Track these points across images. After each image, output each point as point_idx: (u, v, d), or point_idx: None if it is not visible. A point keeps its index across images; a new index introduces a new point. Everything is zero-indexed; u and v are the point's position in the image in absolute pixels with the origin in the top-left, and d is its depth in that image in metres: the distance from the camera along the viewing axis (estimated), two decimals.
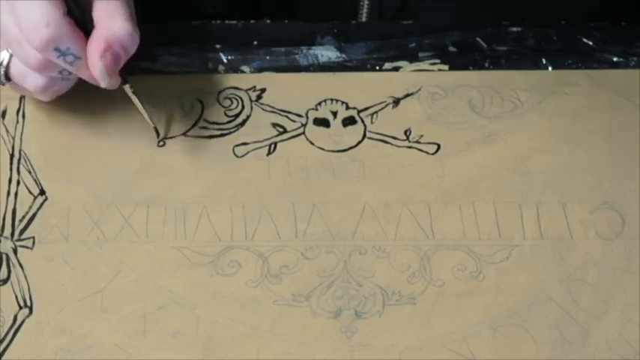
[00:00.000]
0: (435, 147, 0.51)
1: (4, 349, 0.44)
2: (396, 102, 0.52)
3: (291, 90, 0.52)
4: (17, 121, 0.51)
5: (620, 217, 0.49)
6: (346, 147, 0.51)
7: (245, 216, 0.48)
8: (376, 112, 0.52)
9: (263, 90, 0.52)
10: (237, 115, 0.51)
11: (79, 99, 0.49)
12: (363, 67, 0.54)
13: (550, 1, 0.58)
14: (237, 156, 0.50)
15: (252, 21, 0.55)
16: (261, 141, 0.51)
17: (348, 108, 0.52)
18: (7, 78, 0.46)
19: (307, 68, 0.54)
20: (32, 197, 0.48)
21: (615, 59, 0.54)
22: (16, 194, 0.48)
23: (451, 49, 0.55)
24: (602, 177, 0.50)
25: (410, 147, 0.51)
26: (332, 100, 0.52)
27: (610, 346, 0.45)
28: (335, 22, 0.55)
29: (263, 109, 0.52)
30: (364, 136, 0.51)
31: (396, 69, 0.54)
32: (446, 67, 0.54)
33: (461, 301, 0.46)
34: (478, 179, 0.50)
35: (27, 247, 0.47)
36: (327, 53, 0.54)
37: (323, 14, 0.56)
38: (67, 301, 0.45)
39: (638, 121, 0.52)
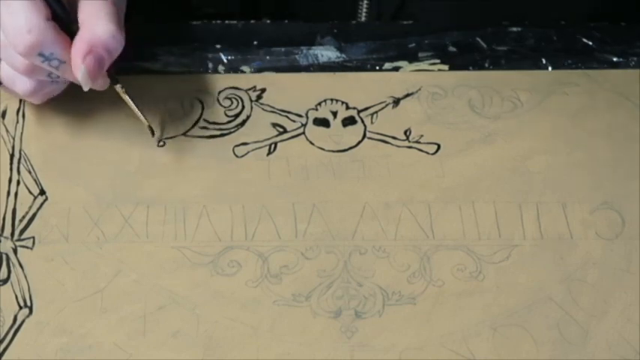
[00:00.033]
0: (435, 147, 0.51)
1: (4, 349, 0.44)
2: (396, 102, 0.52)
3: (291, 90, 0.52)
4: (17, 121, 0.51)
5: (620, 217, 0.49)
6: (346, 147, 0.51)
7: (245, 216, 0.48)
8: (376, 112, 0.52)
9: (263, 90, 0.52)
10: (237, 115, 0.51)
11: (78, 99, 0.49)
12: (363, 67, 0.54)
13: (550, 1, 0.58)
14: (237, 156, 0.50)
15: (252, 21, 0.55)
16: (261, 141, 0.51)
17: (348, 108, 0.52)
18: None
19: (307, 68, 0.54)
20: (32, 197, 0.48)
21: (615, 59, 0.54)
22: (16, 194, 0.48)
23: (451, 49, 0.55)
24: (602, 177, 0.50)
25: (410, 147, 0.51)
26: (332, 100, 0.52)
27: (610, 346, 0.45)
28: (335, 22, 0.55)
29: (263, 109, 0.52)
30: (364, 136, 0.51)
31: (396, 69, 0.54)
32: (446, 67, 0.54)
33: (461, 301, 0.46)
34: (478, 179, 0.50)
35: (27, 247, 0.47)
36: (327, 53, 0.54)
37: (322, 14, 0.56)
38: (67, 301, 0.45)
39: (638, 121, 0.52)
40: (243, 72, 0.53)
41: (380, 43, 0.54)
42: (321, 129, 0.51)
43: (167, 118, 0.51)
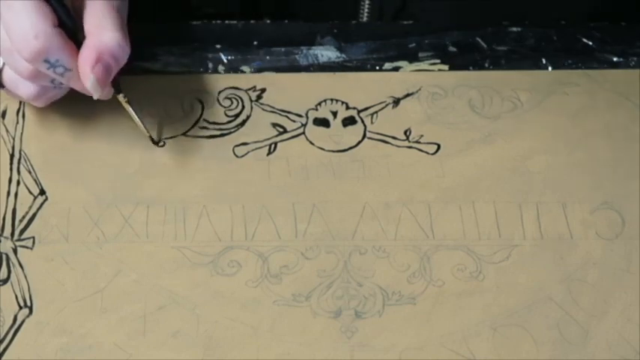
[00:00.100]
0: (435, 147, 0.51)
1: (4, 349, 0.44)
2: (396, 102, 0.52)
3: (291, 90, 0.52)
4: (17, 121, 0.51)
5: (620, 217, 0.49)
6: (346, 147, 0.51)
7: (245, 216, 0.48)
8: (376, 112, 0.52)
9: (263, 90, 0.52)
10: (237, 115, 0.51)
11: (79, 99, 0.49)
12: (363, 67, 0.54)
13: (550, 1, 0.58)
14: (237, 156, 0.50)
15: (252, 21, 0.55)
16: (261, 141, 0.51)
17: (348, 108, 0.52)
18: (0, 85, 0.46)
19: (307, 68, 0.54)
20: (32, 197, 0.48)
21: (615, 59, 0.54)
22: (16, 194, 0.48)
23: (451, 49, 0.55)
24: (602, 177, 0.50)
25: (410, 147, 0.51)
26: (332, 100, 0.52)
27: (610, 346, 0.45)
28: (335, 22, 0.55)
29: (263, 109, 0.52)
30: (364, 136, 0.51)
31: (396, 69, 0.54)
32: (446, 67, 0.54)
33: (461, 301, 0.46)
34: (478, 179, 0.50)
35: (27, 247, 0.47)
36: (327, 53, 0.54)
37: (323, 14, 0.56)
38: (67, 301, 0.45)
39: (638, 121, 0.52)
40: (243, 72, 0.53)
41: (380, 43, 0.54)
42: (321, 129, 0.51)
43: (167, 118, 0.51)
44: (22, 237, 0.47)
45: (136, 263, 0.46)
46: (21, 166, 0.49)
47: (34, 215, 0.48)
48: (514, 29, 0.55)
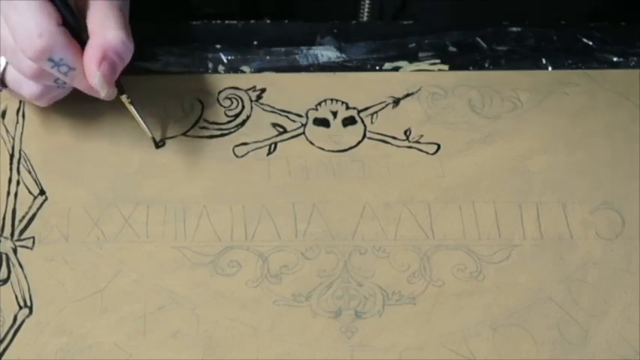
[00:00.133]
0: (435, 147, 0.51)
1: (4, 349, 0.44)
2: (396, 102, 0.52)
3: (291, 90, 0.52)
4: (17, 121, 0.51)
5: (620, 217, 0.49)
6: (346, 147, 0.51)
7: (245, 216, 0.48)
8: (376, 112, 0.52)
9: (263, 90, 0.52)
10: (237, 115, 0.51)
11: (79, 99, 0.49)
12: (363, 67, 0.54)
13: (550, 1, 0.58)
14: (237, 156, 0.50)
15: (252, 21, 0.55)
16: (261, 141, 0.51)
17: (348, 108, 0.52)
18: (4, 84, 0.46)
19: (307, 68, 0.54)
20: (32, 197, 0.48)
21: (615, 59, 0.54)
22: (16, 194, 0.48)
23: (451, 49, 0.55)
24: (602, 177, 0.50)
25: (410, 147, 0.51)
26: (332, 100, 0.52)
27: (610, 346, 0.45)
28: (335, 22, 0.55)
29: (263, 109, 0.52)
30: (364, 136, 0.51)
31: (396, 69, 0.54)
32: (446, 67, 0.54)
33: (461, 301, 0.46)
34: (478, 179, 0.50)
35: (27, 247, 0.47)
36: (327, 53, 0.54)
37: (323, 14, 0.56)
38: (67, 301, 0.45)
39: (638, 121, 0.52)
40: (243, 72, 0.53)
41: (380, 43, 0.54)
42: (321, 129, 0.51)
43: (167, 118, 0.51)
44: (22, 237, 0.47)
45: (136, 263, 0.46)
46: (21, 166, 0.49)
47: (34, 215, 0.48)
48: (514, 29, 0.55)
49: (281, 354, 0.44)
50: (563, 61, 0.54)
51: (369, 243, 0.48)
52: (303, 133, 0.51)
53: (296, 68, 0.53)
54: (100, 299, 0.45)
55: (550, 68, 0.54)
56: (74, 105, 0.50)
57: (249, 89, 0.52)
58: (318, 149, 0.50)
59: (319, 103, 0.52)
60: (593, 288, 0.46)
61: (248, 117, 0.51)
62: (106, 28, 0.44)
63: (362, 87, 0.52)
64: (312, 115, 0.52)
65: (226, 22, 0.55)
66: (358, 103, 0.52)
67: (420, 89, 0.53)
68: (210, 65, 0.53)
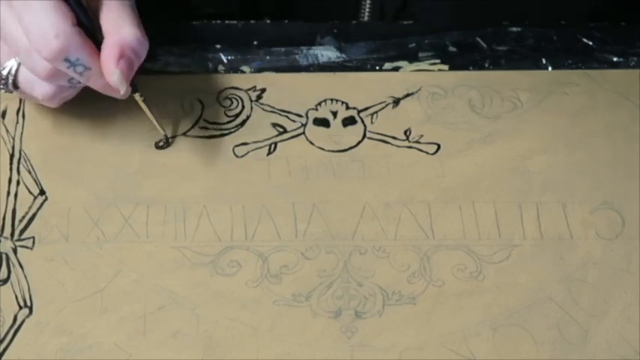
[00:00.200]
0: (435, 147, 0.51)
1: (4, 349, 0.44)
2: (396, 102, 0.52)
3: (291, 90, 0.52)
4: (17, 121, 0.51)
5: (620, 217, 0.49)
6: (346, 147, 0.51)
7: (245, 216, 0.48)
8: (376, 112, 0.52)
9: (263, 90, 0.52)
10: (237, 115, 0.51)
11: (78, 99, 0.49)
12: (363, 67, 0.54)
13: (550, 1, 0.58)
14: (237, 156, 0.50)
15: (252, 21, 0.55)
16: (261, 141, 0.51)
17: (348, 108, 0.52)
18: (15, 86, 0.46)
19: (307, 68, 0.54)
20: (32, 197, 0.48)
21: (615, 59, 0.54)
22: (16, 194, 0.48)
23: (451, 49, 0.55)
24: (602, 177, 0.50)
25: (410, 147, 0.51)
26: (332, 100, 0.52)
27: (610, 346, 0.45)
28: (335, 22, 0.55)
29: (263, 109, 0.52)
30: (364, 136, 0.51)
31: (396, 69, 0.54)
32: (446, 67, 0.54)
33: (461, 301, 0.46)
34: (478, 179, 0.50)
35: (27, 247, 0.47)
36: (327, 53, 0.54)
37: (323, 14, 0.56)
38: (67, 301, 0.45)
39: (638, 121, 0.52)
40: (243, 72, 0.53)
41: (380, 43, 0.54)
42: (321, 129, 0.51)
43: (167, 118, 0.51)
44: (22, 237, 0.47)
45: (136, 263, 0.46)
46: (21, 166, 0.49)
47: (34, 215, 0.48)
48: (514, 29, 0.55)
49: (281, 354, 0.44)
50: (563, 61, 0.54)
51: (369, 243, 0.47)
52: (303, 133, 0.51)
53: (296, 68, 0.53)
54: (100, 299, 0.45)
55: (550, 68, 0.54)
56: (74, 105, 0.50)
57: (249, 89, 0.52)
58: (318, 149, 0.50)
59: (319, 103, 0.52)
60: (593, 288, 0.46)
61: (248, 117, 0.51)
62: (121, 27, 0.44)
63: (362, 87, 0.52)
64: (312, 115, 0.52)
65: (226, 22, 0.55)
66: (358, 103, 0.52)
67: (420, 89, 0.53)
68: (210, 65, 0.53)
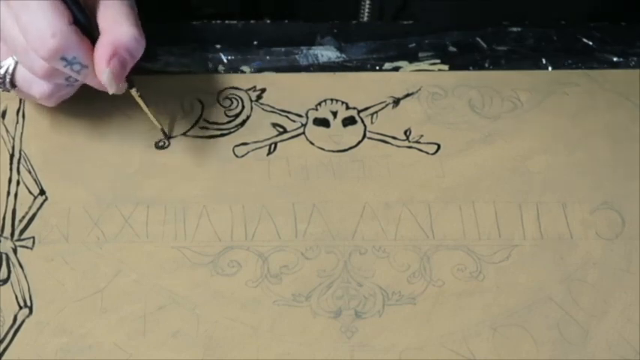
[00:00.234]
0: (435, 147, 0.51)
1: (4, 349, 0.44)
2: (396, 102, 0.52)
3: (291, 90, 0.52)
4: (17, 121, 0.51)
5: (620, 217, 0.49)
6: (346, 147, 0.51)
7: (245, 216, 0.48)
8: (376, 112, 0.52)
9: (263, 90, 0.52)
10: (237, 115, 0.51)
11: (79, 99, 0.49)
12: (363, 67, 0.54)
13: (550, 1, 0.58)
14: (237, 156, 0.50)
15: (252, 21, 0.55)
16: (261, 141, 0.51)
17: (348, 108, 0.52)
18: (13, 85, 0.46)
19: (307, 68, 0.54)
20: (32, 197, 0.48)
21: (615, 59, 0.54)
22: (16, 194, 0.48)
23: (451, 49, 0.55)
24: (602, 177, 0.50)
25: (410, 147, 0.51)
26: (332, 100, 0.52)
27: (610, 346, 0.45)
28: (335, 22, 0.55)
29: (263, 109, 0.52)
30: (364, 136, 0.51)
31: (396, 69, 0.54)
32: (446, 67, 0.54)
33: (461, 301, 0.46)
34: (478, 179, 0.50)
35: (27, 247, 0.47)
36: (327, 53, 0.54)
37: (323, 14, 0.56)
38: (67, 301, 0.45)
39: (638, 121, 0.52)
40: (243, 72, 0.53)
41: (380, 43, 0.54)
42: (321, 129, 0.51)
43: (167, 118, 0.51)
44: (22, 237, 0.47)
45: (136, 263, 0.46)
46: (21, 166, 0.49)
47: (34, 215, 0.48)
48: (514, 29, 0.55)
49: (281, 354, 0.44)
50: (563, 61, 0.54)
51: (369, 243, 0.47)
52: (303, 133, 0.51)
53: (296, 68, 0.53)
54: (100, 299, 0.45)
55: (550, 68, 0.54)
56: (74, 105, 0.50)
57: (249, 89, 0.52)
58: (318, 149, 0.50)
59: (319, 103, 0.52)
60: (593, 288, 0.46)
61: (248, 117, 0.51)
62: (117, 25, 0.44)
63: (362, 87, 0.52)
64: (312, 115, 0.52)
65: (226, 22, 0.55)
66: (358, 103, 0.52)
67: (420, 89, 0.53)
68: (210, 65, 0.53)
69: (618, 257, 0.47)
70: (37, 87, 0.46)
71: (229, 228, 0.48)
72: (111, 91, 0.44)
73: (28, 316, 0.45)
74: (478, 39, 0.55)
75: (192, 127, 0.51)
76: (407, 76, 0.53)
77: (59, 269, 0.46)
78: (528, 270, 0.47)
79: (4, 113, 0.51)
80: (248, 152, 0.50)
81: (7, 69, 0.45)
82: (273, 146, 0.50)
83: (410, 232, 0.48)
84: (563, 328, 0.45)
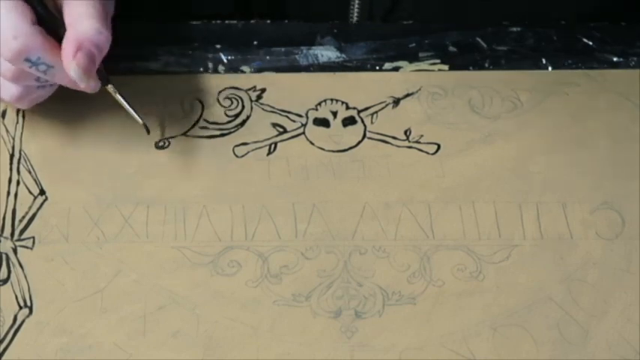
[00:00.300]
0: (435, 147, 0.51)
1: (4, 349, 0.44)
2: (396, 102, 0.52)
3: (291, 90, 0.52)
4: (17, 121, 0.51)
5: (620, 217, 0.49)
6: (346, 147, 0.51)
7: (245, 216, 0.48)
8: (376, 112, 0.52)
9: (263, 90, 0.52)
10: (237, 115, 0.51)
11: (79, 99, 0.49)
12: (363, 67, 0.54)
13: (550, 1, 0.58)
14: (237, 156, 0.50)
15: (252, 21, 0.55)
16: (261, 141, 0.51)
17: (348, 108, 0.52)
18: None
19: (307, 68, 0.54)
20: (32, 197, 0.48)
21: (615, 59, 0.54)
22: (16, 194, 0.48)
23: (451, 49, 0.55)
24: (602, 177, 0.50)
25: (410, 147, 0.51)
26: (332, 100, 0.52)
27: (610, 346, 0.45)
28: (335, 22, 0.55)
29: (263, 109, 0.52)
30: (364, 136, 0.51)
31: (396, 69, 0.54)
32: (446, 67, 0.54)
33: (461, 301, 0.46)
34: (478, 179, 0.50)
35: (27, 247, 0.47)
36: (327, 53, 0.54)
37: (313, 15, 0.56)
38: (67, 301, 0.45)
39: (638, 121, 0.52)
40: (243, 72, 0.53)
41: (380, 43, 0.54)
42: (321, 129, 0.51)
43: (167, 118, 0.51)
44: (22, 237, 0.47)
45: (136, 263, 0.46)
46: (21, 166, 0.49)
47: (34, 215, 0.48)
48: (514, 29, 0.55)
49: (281, 354, 0.44)
50: (563, 61, 0.54)
51: (369, 243, 0.47)
52: (303, 133, 0.51)
53: (296, 68, 0.53)
54: (100, 299, 0.45)
55: (550, 68, 0.54)
56: (74, 105, 0.50)
57: (249, 89, 0.52)
58: (318, 149, 0.50)
59: (319, 103, 0.52)
60: (593, 288, 0.46)
61: (248, 117, 0.51)
62: (80, 20, 0.43)
63: (362, 87, 0.52)
64: (312, 115, 0.52)
65: (226, 22, 0.55)
66: (358, 103, 0.52)
67: (420, 89, 0.53)
68: (210, 65, 0.53)
69: (618, 257, 0.47)
70: (6, 90, 0.46)
71: (229, 228, 0.48)
72: (82, 85, 0.44)
73: (28, 316, 0.45)
74: (478, 39, 0.55)
75: (192, 127, 0.51)
76: (407, 76, 0.53)
77: (59, 269, 0.46)
78: (528, 270, 0.47)
79: (4, 113, 0.51)
80: (248, 152, 0.50)
81: None
82: (273, 146, 0.50)
83: (410, 232, 0.48)
84: (563, 328, 0.45)
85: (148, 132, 0.49)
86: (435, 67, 0.54)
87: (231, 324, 0.45)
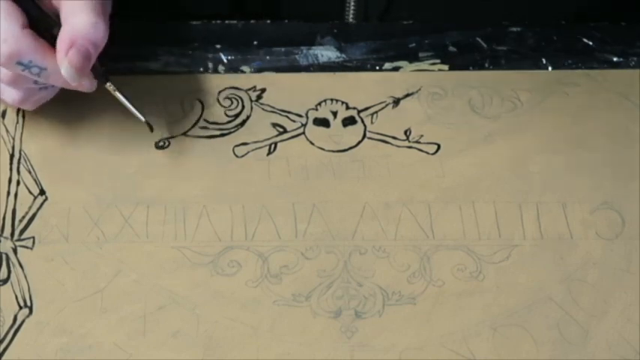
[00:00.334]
0: (435, 147, 0.51)
1: (4, 349, 0.44)
2: (396, 102, 0.52)
3: (291, 90, 0.52)
4: (17, 121, 0.51)
5: (620, 217, 0.49)
6: (346, 147, 0.51)
7: (245, 216, 0.48)
8: (376, 112, 0.52)
9: (263, 90, 0.52)
10: (237, 115, 0.51)
11: (79, 99, 0.49)
12: (363, 67, 0.54)
13: (550, 1, 0.58)
14: (237, 156, 0.50)
15: (252, 21, 0.55)
16: (261, 141, 0.51)
17: (348, 108, 0.52)
18: None
19: (307, 68, 0.54)
20: (32, 197, 0.48)
21: (615, 59, 0.54)
22: (16, 194, 0.48)
23: (451, 49, 0.55)
24: (602, 177, 0.50)
25: (410, 147, 0.51)
26: (332, 100, 0.52)
27: (610, 346, 0.45)
28: (335, 22, 0.55)
29: (263, 109, 0.52)
30: (364, 136, 0.51)
31: (396, 69, 0.54)
32: (446, 67, 0.54)
33: (461, 301, 0.46)
34: (478, 179, 0.50)
35: (27, 247, 0.47)
36: (327, 53, 0.54)
37: (308, 15, 0.56)
38: (67, 301, 0.45)
39: (638, 121, 0.52)
40: (243, 72, 0.53)
41: (380, 43, 0.54)
42: (321, 129, 0.51)
43: (167, 118, 0.51)
44: (22, 237, 0.47)
45: (136, 263, 0.46)
46: (21, 166, 0.49)
47: (34, 215, 0.48)
48: (514, 29, 0.55)
49: (281, 354, 0.44)
50: (563, 61, 0.54)
51: (369, 243, 0.47)
52: (303, 133, 0.51)
53: (296, 68, 0.53)
54: (100, 299, 0.45)
55: (550, 68, 0.54)
56: (74, 105, 0.50)
57: (249, 89, 0.52)
58: (318, 149, 0.50)
59: (319, 103, 0.52)
60: (593, 288, 0.46)
61: (248, 117, 0.51)
62: (73, 15, 0.43)
63: (362, 87, 0.52)
64: (312, 115, 0.52)
65: (226, 22, 0.55)
66: (358, 103, 0.52)
67: (420, 89, 0.53)
68: (210, 65, 0.53)
69: (618, 257, 0.47)
70: (7, 93, 0.46)
71: (229, 228, 0.48)
72: (73, 84, 0.44)
73: (28, 316, 0.45)
74: (478, 39, 0.55)
75: (192, 127, 0.51)
76: (407, 76, 0.53)
77: (59, 269, 0.46)
78: (528, 270, 0.47)
79: (4, 113, 0.51)
80: (248, 152, 0.50)
81: None
82: (273, 146, 0.50)
83: (410, 232, 0.48)
84: (563, 328, 0.45)
85: (152, 129, 0.49)
86: (435, 67, 0.54)
87: (231, 324, 0.45)
